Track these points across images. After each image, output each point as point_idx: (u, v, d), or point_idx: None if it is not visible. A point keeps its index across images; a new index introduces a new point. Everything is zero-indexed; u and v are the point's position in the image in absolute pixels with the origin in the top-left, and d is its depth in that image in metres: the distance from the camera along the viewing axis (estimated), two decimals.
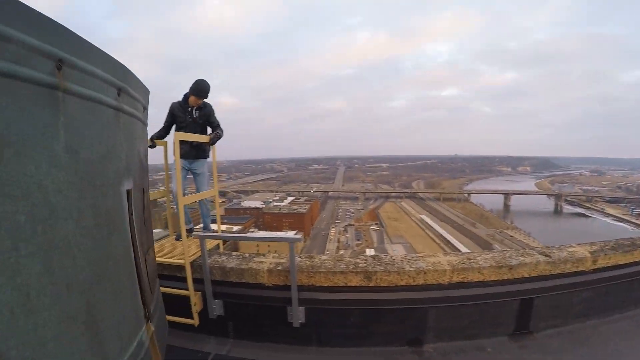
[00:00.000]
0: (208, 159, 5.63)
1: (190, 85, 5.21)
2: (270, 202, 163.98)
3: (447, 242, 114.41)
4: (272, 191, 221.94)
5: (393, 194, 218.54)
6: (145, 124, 1.56)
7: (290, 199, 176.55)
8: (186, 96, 5.27)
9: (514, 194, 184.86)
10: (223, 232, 5.45)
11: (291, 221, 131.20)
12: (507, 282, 3.83)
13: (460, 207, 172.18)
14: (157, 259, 4.06)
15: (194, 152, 5.36)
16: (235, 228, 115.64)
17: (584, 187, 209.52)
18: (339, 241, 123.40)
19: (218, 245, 5.08)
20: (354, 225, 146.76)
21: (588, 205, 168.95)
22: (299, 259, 4.08)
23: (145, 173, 1.53)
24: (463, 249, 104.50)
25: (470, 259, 3.96)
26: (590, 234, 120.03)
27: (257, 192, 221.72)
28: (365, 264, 3.89)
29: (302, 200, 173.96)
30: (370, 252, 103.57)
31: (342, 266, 3.85)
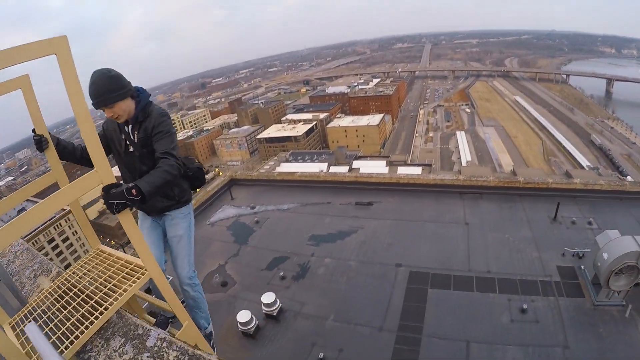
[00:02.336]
0: (187, 205, 3.37)
1: None
2: (355, 85, 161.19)
3: (543, 128, 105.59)
4: (356, 74, 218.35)
5: (484, 73, 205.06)
6: None
7: (375, 81, 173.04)
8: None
9: (618, 80, 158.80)
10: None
11: (378, 104, 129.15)
12: None
13: (557, 90, 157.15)
14: None
15: (160, 201, 3.15)
16: (322, 115, 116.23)
17: None
18: (428, 123, 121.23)
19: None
20: (443, 105, 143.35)
21: None
22: None
23: None
24: (559, 136, 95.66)
25: None
26: None
27: (341, 76, 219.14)
28: None
29: (388, 81, 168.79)
30: (460, 134, 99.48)
31: None
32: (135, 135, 2.89)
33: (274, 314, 8.23)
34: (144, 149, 2.83)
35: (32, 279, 2.93)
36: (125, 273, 2.26)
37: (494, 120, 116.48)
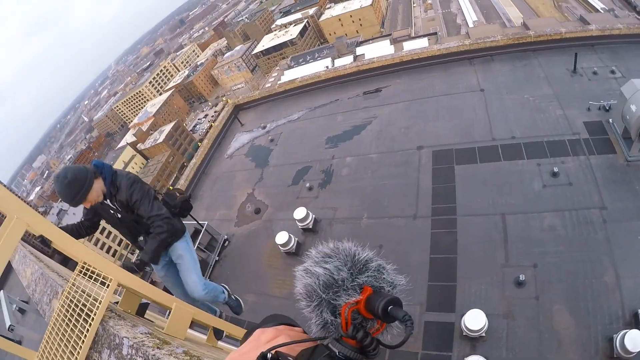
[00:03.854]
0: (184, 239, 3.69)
1: None
2: None
3: None
4: None
5: None
6: None
7: None
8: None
9: None
10: None
11: None
12: None
13: None
14: None
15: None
16: (311, 10, 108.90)
17: None
18: None
19: None
20: None
21: None
22: None
23: None
24: None
25: None
26: None
27: None
28: None
29: None
30: None
31: None
32: (116, 204, 3.30)
33: (310, 227, 8.47)
34: (128, 213, 3.29)
35: (48, 303, 3.12)
36: (103, 278, 2.32)
37: None
